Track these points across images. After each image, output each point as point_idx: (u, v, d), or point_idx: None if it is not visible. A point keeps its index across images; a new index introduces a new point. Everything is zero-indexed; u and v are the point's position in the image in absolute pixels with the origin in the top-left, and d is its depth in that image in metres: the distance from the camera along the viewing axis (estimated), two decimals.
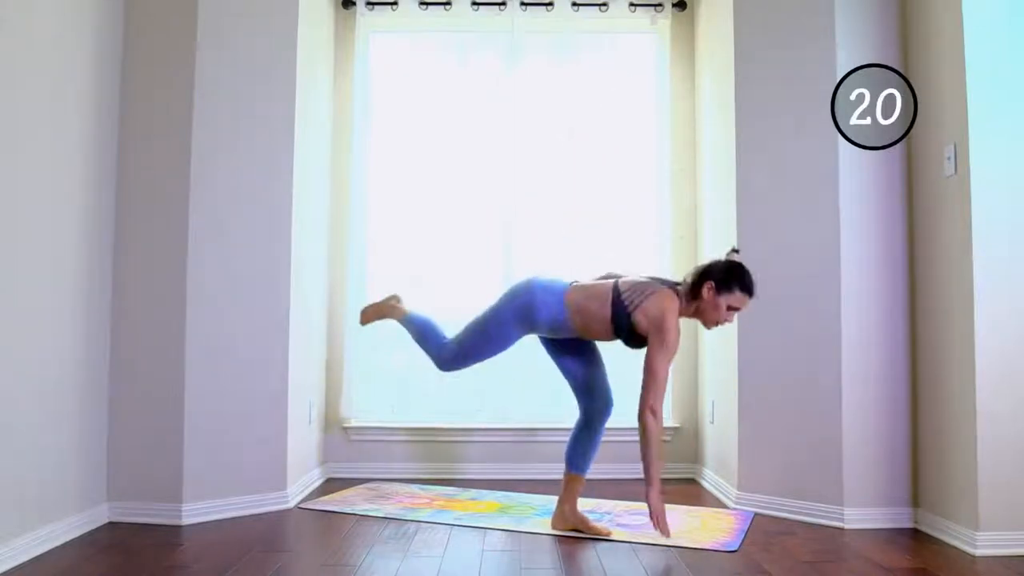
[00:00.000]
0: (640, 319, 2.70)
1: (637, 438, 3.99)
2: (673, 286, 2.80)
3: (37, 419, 2.57)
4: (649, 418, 2.68)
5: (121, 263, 3.04)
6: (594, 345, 2.97)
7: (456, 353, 2.93)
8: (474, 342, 2.89)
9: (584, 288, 2.82)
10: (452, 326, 4.12)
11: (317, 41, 3.76)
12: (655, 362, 2.68)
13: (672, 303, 2.71)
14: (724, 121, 3.54)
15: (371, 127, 4.18)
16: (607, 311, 2.74)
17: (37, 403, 2.57)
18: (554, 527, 2.92)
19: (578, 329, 2.80)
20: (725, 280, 2.72)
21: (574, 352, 2.95)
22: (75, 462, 2.80)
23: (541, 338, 2.99)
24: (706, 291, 2.73)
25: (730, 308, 2.74)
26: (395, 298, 3.16)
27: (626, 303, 2.72)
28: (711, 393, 3.81)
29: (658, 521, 2.73)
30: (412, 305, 3.18)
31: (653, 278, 2.85)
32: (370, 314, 3.17)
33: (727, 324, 2.80)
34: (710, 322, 2.78)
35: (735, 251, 2.87)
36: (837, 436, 3.04)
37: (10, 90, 2.42)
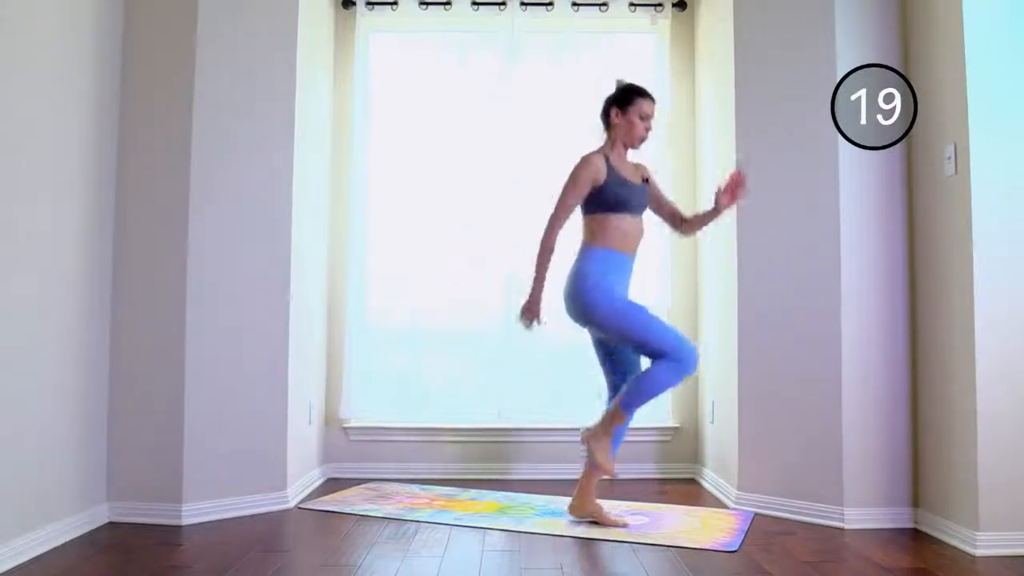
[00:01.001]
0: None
1: (637, 439, 4.02)
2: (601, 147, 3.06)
3: (37, 419, 2.57)
4: (546, 229, 2.98)
5: (121, 263, 3.04)
6: (648, 313, 3.00)
7: (673, 351, 2.84)
8: (645, 334, 2.86)
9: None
10: (453, 326, 4.15)
11: (317, 41, 3.76)
12: (561, 189, 3.00)
13: (583, 159, 2.99)
14: (724, 121, 3.54)
15: (371, 127, 4.18)
16: (584, 215, 3.04)
17: (37, 403, 2.57)
18: (571, 512, 3.05)
19: (622, 244, 2.98)
20: (622, 98, 3.01)
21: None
22: (75, 462, 2.80)
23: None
24: (614, 116, 3.02)
25: (642, 119, 2.99)
26: (590, 432, 2.99)
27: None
28: (711, 393, 3.81)
29: (530, 308, 2.96)
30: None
31: None
32: (607, 463, 2.97)
33: (649, 134, 3.03)
34: (633, 139, 3.02)
35: (619, 81, 3.10)
36: (837, 436, 3.04)
37: (10, 90, 2.42)
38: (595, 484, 3.01)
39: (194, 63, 3.08)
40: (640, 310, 2.89)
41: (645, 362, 3.02)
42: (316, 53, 3.73)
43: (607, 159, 3.01)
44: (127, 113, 3.07)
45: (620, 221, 2.97)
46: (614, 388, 3.10)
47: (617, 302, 2.90)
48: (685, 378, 2.89)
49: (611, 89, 3.10)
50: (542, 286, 2.97)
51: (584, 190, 2.96)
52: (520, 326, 3.01)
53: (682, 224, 3.20)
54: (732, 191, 2.99)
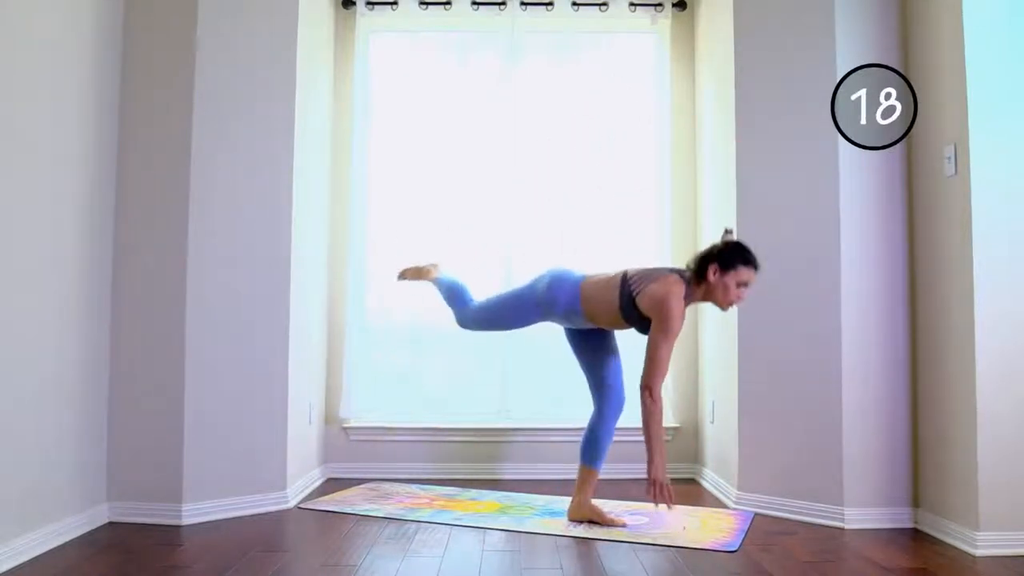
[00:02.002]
0: (644, 302, 2.78)
1: (637, 438, 4.02)
2: (681, 272, 2.87)
3: (37, 419, 2.57)
4: (646, 397, 2.76)
5: (121, 263, 3.04)
6: (613, 342, 3.08)
7: (475, 318, 3.15)
8: (493, 314, 3.11)
9: (596, 279, 2.94)
10: (453, 326, 4.14)
11: (317, 41, 3.76)
12: (655, 343, 2.76)
13: (677, 287, 2.77)
14: (724, 121, 3.54)
15: (371, 127, 4.18)
16: (615, 296, 2.84)
17: (37, 403, 2.57)
18: (570, 518, 3.03)
19: (588, 317, 2.93)
20: (728, 259, 2.79)
21: (594, 347, 3.05)
22: (75, 462, 2.80)
23: (565, 330, 3.13)
24: (711, 274, 2.80)
25: (739, 285, 2.80)
26: (434, 265, 3.40)
27: (632, 288, 2.81)
28: (711, 393, 3.81)
29: (659, 489, 2.76)
30: (447, 270, 3.42)
31: (663, 267, 2.96)
32: (408, 274, 3.41)
33: (741, 302, 2.85)
34: (723, 302, 2.83)
35: (728, 232, 2.94)
36: (837, 436, 3.04)
37: (10, 90, 2.42)
38: (592, 487, 3.01)
39: (194, 63, 3.08)
40: (510, 313, 3.06)
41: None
42: (316, 53, 3.73)
43: (683, 296, 2.80)
44: (127, 113, 3.07)
45: (616, 321, 2.89)
46: (595, 388, 3.07)
47: (531, 297, 2.99)
48: (456, 318, 3.21)
49: (721, 241, 2.88)
50: (662, 453, 2.77)
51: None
52: (655, 502, 2.80)
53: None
54: (657, 498, 2.78)
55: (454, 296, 3.23)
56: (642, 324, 2.85)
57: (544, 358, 4.07)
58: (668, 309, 2.73)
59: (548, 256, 4.07)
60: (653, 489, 2.77)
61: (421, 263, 3.45)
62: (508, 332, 4.03)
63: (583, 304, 2.91)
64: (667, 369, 2.80)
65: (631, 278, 2.84)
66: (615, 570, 2.44)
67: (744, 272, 2.79)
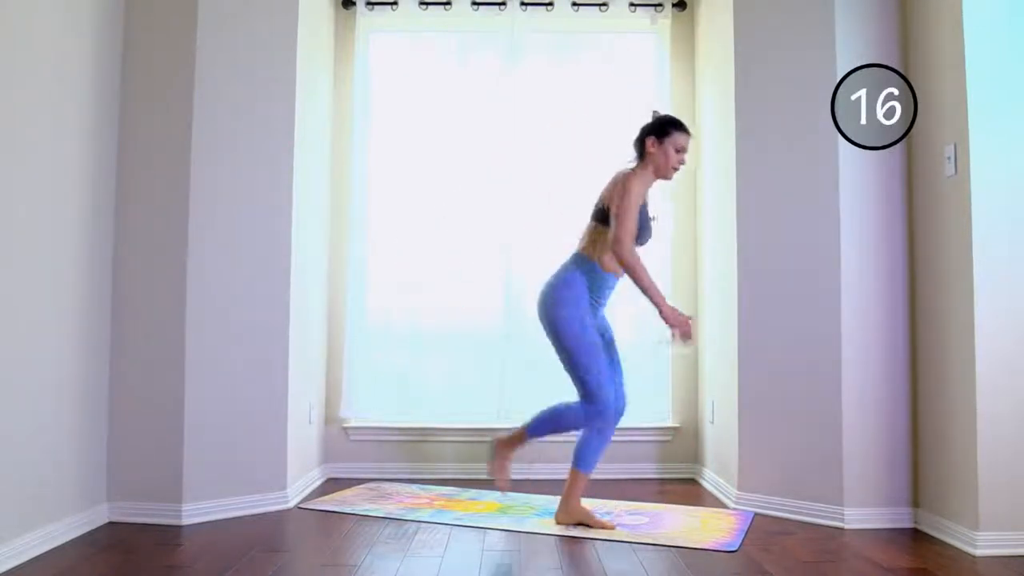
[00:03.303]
0: (608, 197, 2.94)
1: (637, 438, 4.02)
2: (626, 170, 3.00)
3: (37, 419, 2.57)
4: (622, 252, 2.82)
5: (121, 263, 3.04)
6: (614, 348, 3.06)
7: (595, 399, 2.91)
8: (588, 371, 2.90)
9: (579, 244, 3.01)
10: (453, 326, 4.15)
11: (317, 41, 3.76)
12: (617, 210, 2.86)
13: (629, 174, 2.94)
14: (724, 121, 3.54)
15: (371, 127, 4.18)
16: (592, 225, 2.98)
17: (37, 403, 2.57)
18: (558, 521, 2.99)
19: (609, 264, 2.94)
20: (660, 128, 2.98)
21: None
22: (75, 462, 2.80)
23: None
24: (650, 145, 2.97)
25: (677, 151, 2.96)
26: (499, 440, 3.14)
27: (600, 204, 2.97)
28: (711, 393, 3.81)
29: (678, 323, 2.83)
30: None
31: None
32: (500, 469, 3.15)
33: (682, 167, 3.01)
34: (668, 171, 2.98)
35: (655, 112, 3.08)
36: (837, 436, 3.04)
37: (10, 90, 2.42)
38: (581, 490, 2.98)
39: (194, 63, 3.08)
40: (596, 352, 2.91)
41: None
42: (316, 53, 3.73)
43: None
44: (127, 113, 3.07)
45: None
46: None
47: (583, 330, 2.89)
48: (600, 424, 2.93)
49: (647, 117, 3.07)
50: (659, 294, 2.85)
51: (639, 206, 2.89)
52: (678, 345, 2.93)
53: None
54: (683, 334, 2.88)
55: (563, 422, 2.97)
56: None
57: (544, 358, 4.05)
58: (626, 182, 2.90)
59: (547, 254, 4.07)
60: (675, 329, 2.84)
61: (501, 439, 3.15)
62: (508, 333, 4.05)
63: (599, 262, 2.94)
64: (633, 232, 2.85)
65: (596, 205, 2.99)
66: (615, 570, 2.44)
67: (678, 136, 2.96)
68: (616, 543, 2.75)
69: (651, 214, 3.06)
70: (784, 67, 3.25)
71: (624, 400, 3.04)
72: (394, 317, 4.13)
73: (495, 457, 3.15)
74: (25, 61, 2.49)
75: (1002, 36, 2.71)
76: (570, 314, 2.90)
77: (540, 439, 3.14)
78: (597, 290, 2.97)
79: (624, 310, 3.72)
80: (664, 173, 2.99)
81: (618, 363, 3.06)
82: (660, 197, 4.15)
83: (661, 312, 2.85)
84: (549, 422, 3.01)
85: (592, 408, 2.91)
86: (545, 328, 2.97)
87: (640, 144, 3.01)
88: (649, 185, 3.00)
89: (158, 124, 3.07)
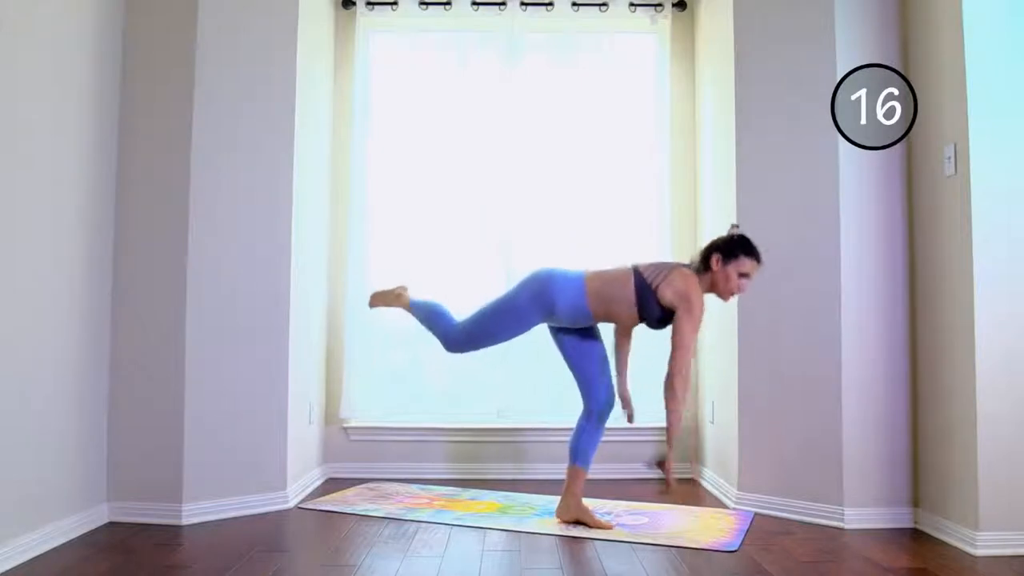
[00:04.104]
0: (666, 293, 2.82)
1: (637, 438, 4.02)
2: (687, 266, 2.92)
3: (37, 419, 2.57)
4: (678, 382, 2.79)
5: (121, 263, 3.04)
6: (600, 343, 3.06)
7: (466, 336, 2.99)
8: (486, 326, 2.97)
9: (600, 274, 2.93)
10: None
11: (317, 41, 3.76)
12: (683, 331, 2.79)
13: (693, 276, 2.85)
14: (724, 121, 3.54)
15: (371, 126, 4.18)
16: (630, 291, 2.85)
17: (37, 403, 2.57)
18: (558, 517, 3.02)
19: (598, 315, 2.92)
20: (729, 249, 2.86)
21: (581, 349, 3.03)
22: (75, 462, 2.80)
23: (552, 331, 3.09)
24: (714, 263, 2.85)
25: (741, 275, 2.85)
26: (402, 288, 3.22)
27: (649, 281, 2.84)
28: (711, 393, 3.81)
29: (667, 471, 2.83)
30: (417, 292, 3.25)
31: (669, 262, 3.00)
32: (377, 300, 3.26)
33: (741, 292, 2.90)
34: (725, 292, 2.88)
35: (735, 226, 2.99)
36: (837, 436, 3.04)
37: (10, 90, 2.42)
38: (580, 487, 3.00)
39: (194, 63, 3.08)
40: (506, 319, 2.94)
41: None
42: (316, 53, 3.73)
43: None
44: (127, 111, 3.07)
45: (627, 316, 2.91)
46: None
47: (527, 299, 2.91)
48: (442, 343, 3.03)
49: (725, 235, 2.95)
50: (678, 431, 2.86)
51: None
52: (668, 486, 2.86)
53: (622, 371, 3.17)
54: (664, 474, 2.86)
55: (433, 318, 3.06)
56: (659, 318, 2.87)
57: (544, 358, 4.05)
58: (692, 296, 2.80)
59: (547, 255, 4.08)
60: (667, 477, 2.83)
61: (387, 287, 3.27)
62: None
63: (591, 301, 2.88)
64: (693, 355, 2.86)
65: (644, 271, 2.87)
66: (615, 570, 2.44)
67: (745, 262, 2.85)
68: (616, 543, 2.75)
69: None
70: (784, 67, 3.25)
71: (612, 395, 3.03)
72: (394, 316, 4.12)
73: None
74: (25, 61, 2.49)
75: (1002, 36, 2.71)
76: (528, 290, 2.91)
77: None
78: (569, 318, 2.94)
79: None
80: (721, 293, 2.88)
81: (599, 357, 3.04)
82: (658, 201, 4.16)
83: (669, 440, 2.84)
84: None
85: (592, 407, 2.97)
86: (527, 282, 2.96)
87: (706, 254, 2.89)
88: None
89: (158, 124, 3.07)
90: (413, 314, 3.15)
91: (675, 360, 2.79)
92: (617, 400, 3.11)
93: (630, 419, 3.15)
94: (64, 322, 2.72)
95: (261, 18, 3.25)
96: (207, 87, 3.10)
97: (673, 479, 2.84)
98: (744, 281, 2.86)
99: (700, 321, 2.82)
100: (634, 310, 2.87)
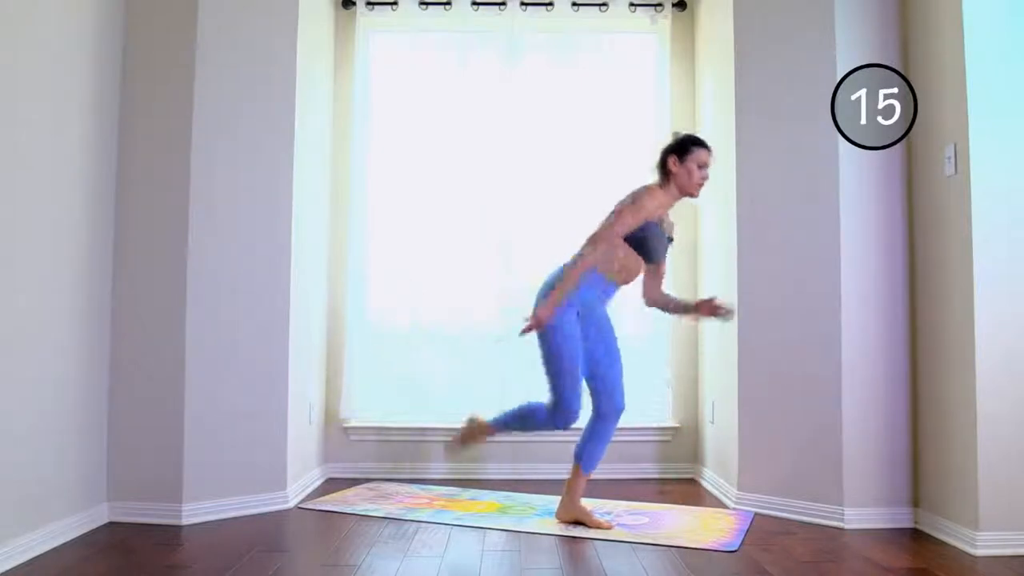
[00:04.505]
0: (620, 203, 2.95)
1: (637, 438, 4.02)
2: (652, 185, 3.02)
3: (37, 419, 2.57)
4: (587, 248, 2.89)
5: (121, 263, 3.04)
6: (615, 346, 3.04)
7: (563, 403, 2.93)
8: (565, 381, 2.93)
9: (582, 249, 2.94)
10: (453, 326, 4.15)
11: (317, 41, 3.76)
12: (615, 216, 2.91)
13: (654, 188, 2.97)
14: (724, 121, 3.54)
15: (371, 127, 4.18)
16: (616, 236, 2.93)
17: (37, 403, 2.57)
18: (558, 517, 3.03)
19: (615, 274, 2.96)
20: (682, 146, 2.98)
21: (596, 350, 3.00)
22: (75, 462, 2.80)
23: (568, 334, 3.03)
24: (672, 164, 2.97)
25: (699, 167, 2.96)
26: (472, 419, 3.19)
27: (617, 209, 2.94)
28: (711, 393, 3.81)
29: (534, 322, 2.87)
30: (488, 413, 3.21)
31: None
32: (466, 440, 3.19)
33: (706, 182, 2.99)
34: (692, 188, 2.98)
35: (675, 133, 3.10)
36: (837, 436, 3.04)
37: (10, 90, 2.42)
38: (581, 489, 3.00)
39: (194, 63, 3.08)
40: (572, 361, 2.91)
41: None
42: (316, 52, 3.73)
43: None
44: (127, 111, 3.07)
45: (632, 259, 2.96)
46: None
47: (564, 339, 2.89)
48: (559, 427, 2.97)
49: (666, 138, 3.08)
50: (562, 300, 2.88)
51: (642, 219, 2.91)
52: (519, 328, 2.93)
53: (654, 296, 3.15)
54: (712, 311, 2.98)
55: (528, 421, 3.01)
56: (648, 237, 2.94)
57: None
58: (643, 197, 2.92)
59: (547, 254, 4.07)
60: (531, 322, 2.86)
61: (462, 426, 3.20)
62: (508, 333, 4.04)
63: (601, 269, 2.93)
64: (612, 239, 2.90)
65: (612, 211, 2.95)
66: (615, 570, 2.44)
67: (699, 153, 2.96)
68: (616, 543, 2.75)
69: (669, 234, 3.04)
70: (784, 67, 3.25)
71: (623, 399, 3.02)
72: (394, 316, 4.13)
73: (465, 437, 3.17)
74: (25, 61, 2.49)
75: (1002, 36, 2.71)
76: (557, 320, 2.89)
77: (505, 433, 3.16)
78: (596, 294, 2.97)
79: (627, 306, 3.70)
80: (689, 190, 2.98)
81: (618, 360, 3.03)
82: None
83: (548, 305, 2.86)
84: (517, 418, 3.05)
85: (556, 412, 2.94)
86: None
87: (663, 164, 3.00)
88: (671, 204, 3.02)
89: (158, 124, 3.07)
90: (507, 430, 3.12)
91: (599, 228, 2.90)
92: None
93: (727, 314, 3.00)
94: (64, 322, 2.72)
95: (261, 18, 3.25)
96: (207, 87, 3.10)
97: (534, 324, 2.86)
98: (705, 171, 2.97)
99: (640, 208, 2.88)
100: (628, 246, 2.93)
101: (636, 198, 2.93)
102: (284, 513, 3.18)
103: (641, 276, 3.11)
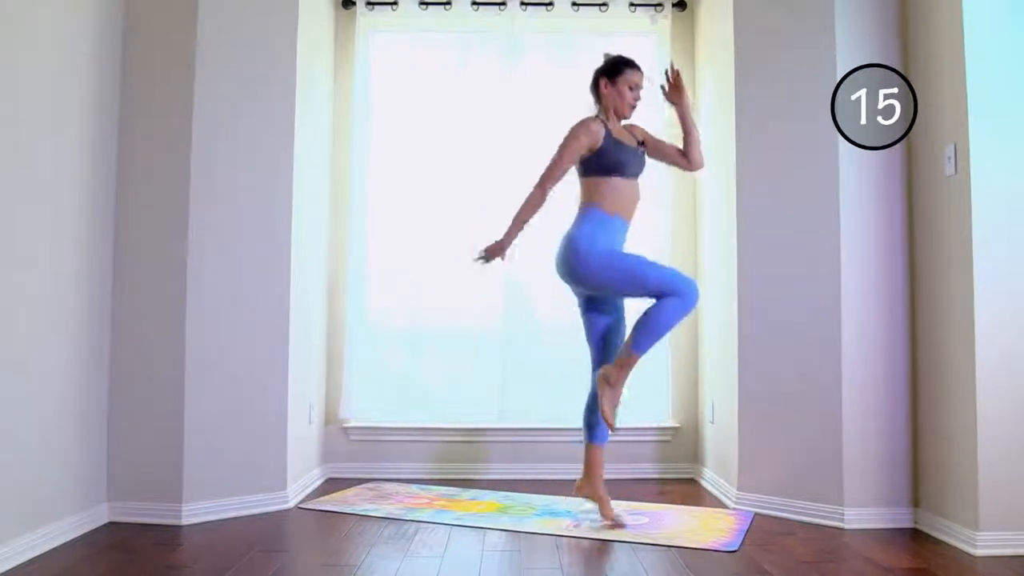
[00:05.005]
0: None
1: (637, 438, 4.02)
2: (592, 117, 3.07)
3: (37, 419, 2.57)
4: (536, 190, 3.01)
5: (121, 263, 3.04)
6: (621, 306, 3.09)
7: (674, 281, 2.84)
8: (651, 268, 2.88)
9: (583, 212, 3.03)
10: (454, 326, 4.15)
11: (317, 41, 3.76)
12: (557, 149, 3.01)
13: (582, 121, 3.01)
14: (724, 121, 3.54)
15: (371, 126, 4.18)
16: (583, 180, 3.05)
17: (37, 403, 2.57)
18: (577, 490, 3.08)
19: (611, 206, 2.99)
20: (613, 68, 3.05)
21: (602, 309, 3.06)
22: (75, 462, 2.80)
23: (577, 293, 3.10)
24: (603, 87, 3.06)
25: (631, 89, 3.03)
26: (591, 470, 3.05)
27: (580, 156, 3.02)
28: (711, 393, 3.81)
29: (491, 251, 3.03)
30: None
31: None
32: (598, 493, 3.05)
33: (637, 103, 3.06)
34: (625, 108, 3.05)
35: (606, 54, 3.14)
36: (837, 436, 3.04)
37: (10, 88, 2.42)
38: (600, 460, 3.02)
39: (194, 62, 3.08)
40: (631, 256, 2.92)
41: None
42: (316, 52, 3.73)
43: (604, 124, 3.03)
44: (127, 111, 3.07)
45: (617, 184, 2.99)
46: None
47: (605, 254, 2.91)
48: (688, 313, 2.87)
49: (599, 62, 3.14)
50: (516, 236, 3.03)
51: (579, 152, 2.98)
52: (479, 263, 3.05)
53: (686, 157, 3.17)
54: (675, 87, 3.08)
55: (657, 323, 2.83)
56: (601, 157, 2.99)
57: (543, 358, 4.07)
58: (576, 128, 2.99)
59: (548, 254, 4.07)
60: (492, 246, 3.01)
61: (584, 477, 3.07)
62: (509, 333, 4.05)
63: (603, 208, 2.97)
64: (557, 175, 2.99)
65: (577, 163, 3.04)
66: (615, 570, 2.44)
67: (629, 74, 3.02)
68: (616, 543, 2.75)
69: (631, 143, 3.06)
70: (784, 67, 3.25)
71: (687, 282, 2.93)
72: (394, 317, 4.13)
73: (588, 496, 3.06)
74: (25, 61, 2.49)
75: (1002, 36, 2.71)
76: (598, 261, 2.90)
77: (606, 436, 3.06)
78: (604, 235, 2.97)
79: (628, 304, 3.69)
80: (621, 111, 3.05)
81: (655, 264, 2.93)
82: (658, 202, 4.16)
83: (503, 240, 3.01)
84: (651, 333, 2.84)
85: (679, 295, 2.81)
86: (577, 283, 2.99)
87: (595, 88, 3.08)
88: (616, 124, 3.06)
89: (158, 124, 3.07)
90: (651, 347, 2.91)
91: (543, 173, 3.01)
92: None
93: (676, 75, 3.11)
94: (64, 322, 2.72)
95: (261, 18, 3.25)
96: (207, 87, 3.10)
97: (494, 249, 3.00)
98: (638, 91, 3.03)
99: (570, 155, 2.96)
100: (610, 178, 2.98)
101: (568, 135, 2.99)
102: (284, 513, 3.18)
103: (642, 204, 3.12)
